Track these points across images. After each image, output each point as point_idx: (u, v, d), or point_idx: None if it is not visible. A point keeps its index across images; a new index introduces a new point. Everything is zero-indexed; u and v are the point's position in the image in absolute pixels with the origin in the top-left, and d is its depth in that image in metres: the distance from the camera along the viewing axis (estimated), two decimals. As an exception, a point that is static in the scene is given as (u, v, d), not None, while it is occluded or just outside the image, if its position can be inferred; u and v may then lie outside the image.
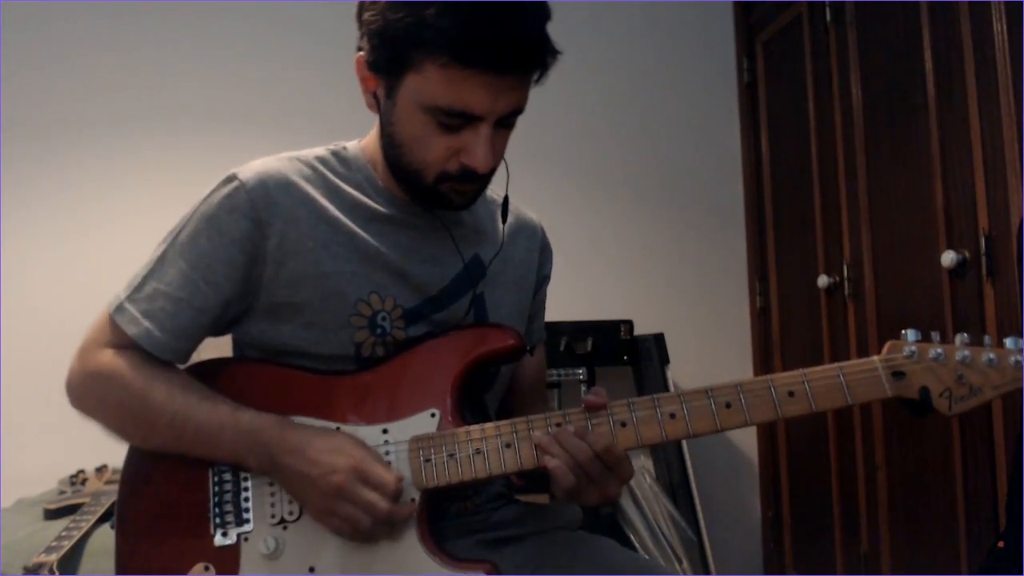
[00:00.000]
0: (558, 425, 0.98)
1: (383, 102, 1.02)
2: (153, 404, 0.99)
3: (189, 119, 2.50)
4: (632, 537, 2.28)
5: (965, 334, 0.99)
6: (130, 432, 1.03)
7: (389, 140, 1.03)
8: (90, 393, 1.03)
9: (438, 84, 0.94)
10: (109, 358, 1.01)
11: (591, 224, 2.70)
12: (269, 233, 1.02)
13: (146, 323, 1.01)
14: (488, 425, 1.00)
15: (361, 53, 1.01)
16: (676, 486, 2.39)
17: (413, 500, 0.98)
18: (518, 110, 1.00)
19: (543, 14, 0.98)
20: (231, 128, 2.51)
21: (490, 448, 0.98)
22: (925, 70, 1.89)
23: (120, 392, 1.00)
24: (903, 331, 1.00)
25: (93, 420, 1.04)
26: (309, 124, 2.48)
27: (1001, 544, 1.30)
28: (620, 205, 2.75)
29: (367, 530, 0.94)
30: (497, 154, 1.02)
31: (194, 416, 0.98)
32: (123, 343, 1.02)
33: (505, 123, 1.00)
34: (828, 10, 2.28)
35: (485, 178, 1.03)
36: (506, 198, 1.16)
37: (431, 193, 1.03)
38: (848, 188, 2.22)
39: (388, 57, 0.97)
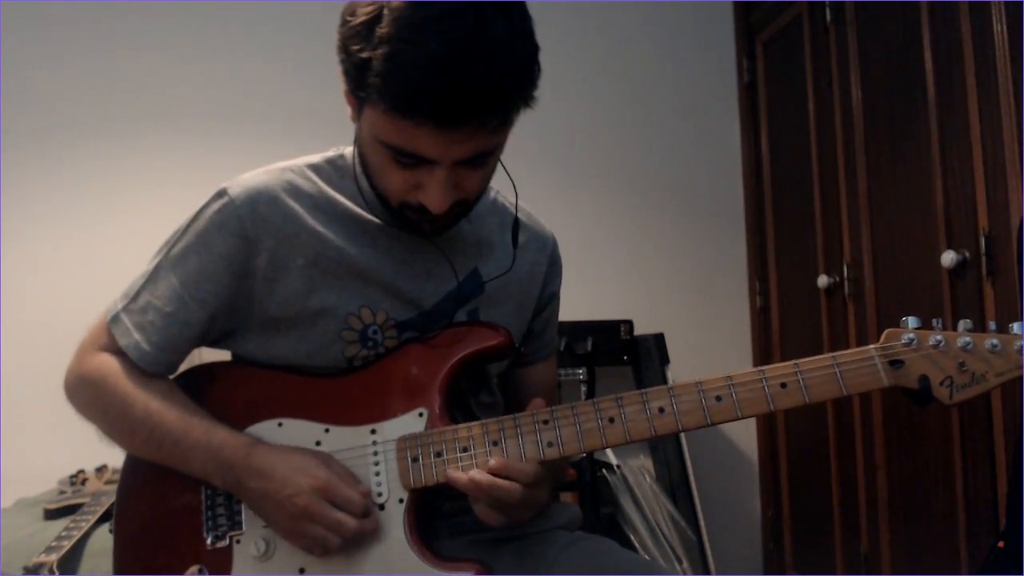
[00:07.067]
0: (544, 422, 0.97)
1: (357, 122, 0.99)
2: (133, 416, 1.00)
3: (190, 120, 2.50)
4: (632, 537, 2.28)
5: (968, 320, 0.95)
6: (116, 438, 1.05)
7: (361, 160, 1.01)
8: (81, 395, 1.06)
9: (387, 126, 0.89)
10: (100, 362, 1.03)
11: (591, 224, 2.70)
12: (258, 250, 1.02)
13: (136, 335, 1.03)
14: (475, 424, 0.99)
15: None
16: (676, 486, 2.40)
17: (381, 508, 0.97)
18: (484, 153, 0.93)
19: (514, 57, 0.87)
20: (232, 128, 2.51)
21: (477, 447, 0.97)
22: (925, 70, 1.89)
23: (105, 399, 1.02)
24: (903, 318, 0.96)
25: (86, 420, 1.06)
26: (310, 125, 2.45)
27: (1001, 544, 1.30)
28: (620, 205, 2.75)
29: (336, 548, 0.94)
30: (469, 189, 0.96)
31: (170, 432, 0.99)
32: (116, 348, 1.04)
33: (471, 164, 0.93)
34: (828, 10, 2.28)
35: (458, 209, 0.97)
36: (516, 219, 1.12)
37: (399, 217, 1.01)
38: (848, 188, 2.22)
39: (349, 86, 0.93)
